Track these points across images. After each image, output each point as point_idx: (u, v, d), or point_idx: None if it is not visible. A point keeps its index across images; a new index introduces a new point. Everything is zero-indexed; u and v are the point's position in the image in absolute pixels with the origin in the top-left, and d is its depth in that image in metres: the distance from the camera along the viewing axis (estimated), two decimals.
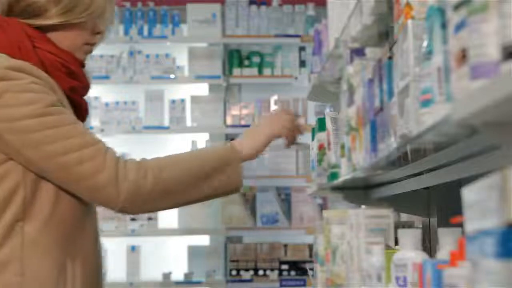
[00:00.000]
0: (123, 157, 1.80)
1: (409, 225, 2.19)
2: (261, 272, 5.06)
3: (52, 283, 1.79)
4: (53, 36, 1.87)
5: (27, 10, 1.84)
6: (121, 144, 5.28)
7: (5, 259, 1.78)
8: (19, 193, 1.77)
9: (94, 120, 5.11)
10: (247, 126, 5.14)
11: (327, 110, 5.16)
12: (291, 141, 2.06)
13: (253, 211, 5.17)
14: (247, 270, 5.05)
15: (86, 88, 1.96)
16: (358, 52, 1.83)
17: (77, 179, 1.76)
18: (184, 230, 5.05)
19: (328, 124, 2.34)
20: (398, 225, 1.98)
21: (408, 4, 1.38)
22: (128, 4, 5.33)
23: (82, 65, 1.95)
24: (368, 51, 1.81)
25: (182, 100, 5.24)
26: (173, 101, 5.23)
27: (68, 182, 1.77)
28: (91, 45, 1.94)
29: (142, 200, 1.78)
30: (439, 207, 2.03)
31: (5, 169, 1.76)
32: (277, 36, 5.29)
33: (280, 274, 5.06)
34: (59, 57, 1.85)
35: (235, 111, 5.24)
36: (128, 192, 1.75)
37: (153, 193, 1.78)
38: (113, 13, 1.99)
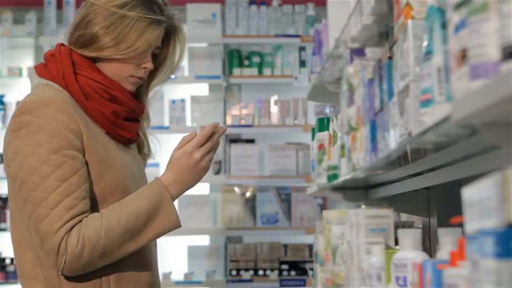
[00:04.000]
0: (78, 223, 1.85)
1: (409, 225, 2.19)
2: (261, 272, 5.06)
3: None
4: (101, 65, 2.01)
5: (79, 40, 2.00)
6: None
7: (45, 278, 1.91)
8: None
9: None
10: (247, 126, 5.15)
11: (327, 110, 5.18)
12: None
13: (253, 211, 5.17)
14: (247, 270, 5.05)
15: (132, 112, 2.07)
16: (358, 52, 1.83)
17: (35, 230, 1.87)
18: (184, 230, 5.04)
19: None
20: (398, 225, 1.98)
21: (408, 4, 1.38)
22: None
23: (130, 93, 2.07)
24: (368, 51, 1.80)
25: (182, 100, 5.24)
26: (173, 101, 5.23)
27: (32, 225, 1.87)
28: (138, 78, 2.05)
29: (82, 266, 1.86)
30: (439, 207, 2.03)
31: None
32: (277, 36, 5.29)
33: (280, 274, 5.06)
34: (102, 84, 1.98)
35: (235, 111, 5.24)
36: (67, 263, 1.84)
37: (92, 258, 1.86)
38: (179, 54, 2.13)
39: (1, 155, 5.11)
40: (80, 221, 1.84)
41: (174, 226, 1.97)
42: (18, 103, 5.22)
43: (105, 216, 1.88)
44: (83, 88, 1.97)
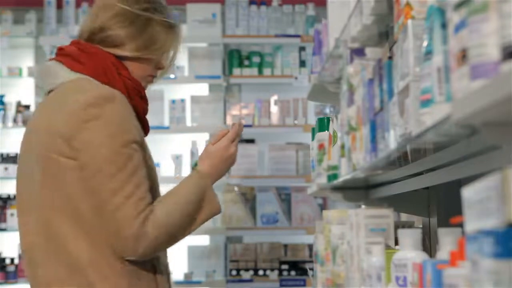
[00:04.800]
0: (150, 212, 1.96)
1: (409, 225, 2.19)
2: (261, 272, 5.06)
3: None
4: (126, 65, 2.10)
5: (107, 40, 2.07)
6: None
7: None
8: None
9: None
10: (247, 126, 5.15)
11: (327, 110, 5.17)
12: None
13: (253, 211, 5.17)
14: (247, 270, 5.05)
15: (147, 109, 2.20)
16: (358, 52, 1.83)
17: (109, 219, 1.94)
18: None
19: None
20: (398, 225, 1.98)
21: (408, 4, 1.38)
22: None
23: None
24: (368, 51, 1.81)
25: (182, 100, 5.24)
26: (173, 101, 5.23)
27: (103, 214, 1.94)
28: (153, 77, 2.18)
29: (154, 251, 2.00)
30: (439, 207, 2.03)
31: None
32: (277, 36, 5.29)
33: (280, 274, 5.06)
34: (135, 83, 2.09)
35: (235, 111, 5.24)
36: (144, 248, 1.96)
37: (163, 244, 2.01)
38: (177, 53, 2.21)
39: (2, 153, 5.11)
40: (151, 210, 1.95)
41: (217, 212, 2.14)
42: (18, 102, 5.24)
43: (166, 206, 2.00)
44: (126, 85, 2.06)
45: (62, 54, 2.07)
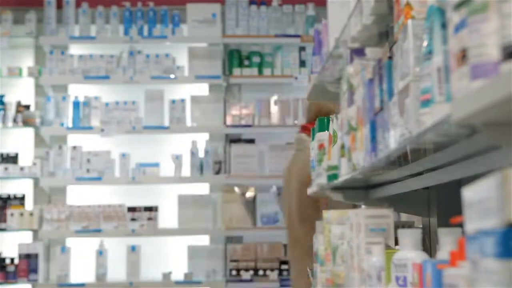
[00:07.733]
0: None
1: (409, 225, 2.19)
2: (261, 272, 5.05)
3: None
4: None
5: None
6: (121, 144, 5.28)
7: None
8: None
9: (94, 120, 5.11)
10: (247, 126, 5.15)
11: None
12: None
13: (253, 211, 5.17)
14: (247, 270, 5.05)
15: None
16: (358, 52, 1.83)
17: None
18: (184, 230, 5.04)
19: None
20: (398, 225, 1.98)
21: (408, 4, 1.38)
22: (128, 4, 5.33)
23: None
24: (368, 51, 1.81)
25: (182, 100, 5.24)
26: (173, 101, 5.23)
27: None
28: None
29: None
30: (439, 207, 2.03)
31: None
32: (277, 36, 5.29)
33: (280, 274, 5.06)
34: None
35: (235, 111, 5.24)
36: None
37: None
38: None
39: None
40: None
41: None
42: (18, 102, 5.24)
43: None
44: None
45: (306, 129, 3.42)
